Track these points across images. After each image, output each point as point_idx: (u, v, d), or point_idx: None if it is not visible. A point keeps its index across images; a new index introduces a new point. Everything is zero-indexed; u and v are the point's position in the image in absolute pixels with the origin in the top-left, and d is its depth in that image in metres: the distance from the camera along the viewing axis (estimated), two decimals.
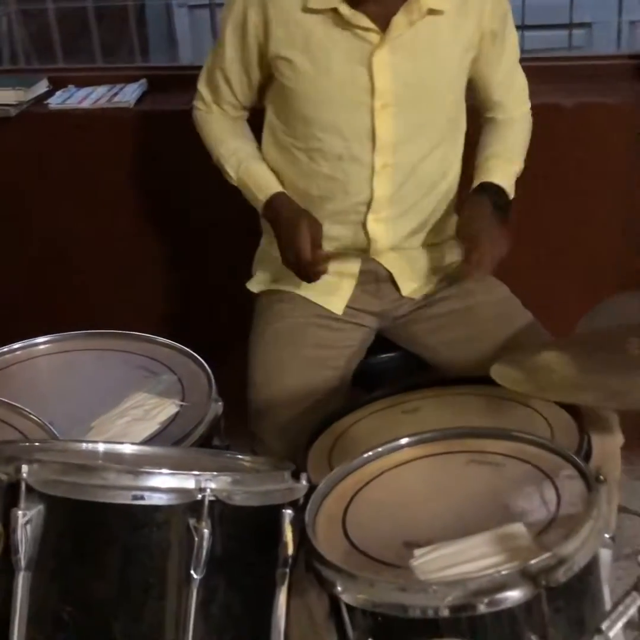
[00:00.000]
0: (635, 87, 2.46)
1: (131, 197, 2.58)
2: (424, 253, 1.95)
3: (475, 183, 1.91)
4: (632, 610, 0.99)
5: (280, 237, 1.81)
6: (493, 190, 1.88)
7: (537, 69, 2.43)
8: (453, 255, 1.98)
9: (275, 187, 1.87)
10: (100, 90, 2.59)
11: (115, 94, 2.56)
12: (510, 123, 2.00)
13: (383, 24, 1.73)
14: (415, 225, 1.91)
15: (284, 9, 1.75)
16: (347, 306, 1.91)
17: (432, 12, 1.74)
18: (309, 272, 1.76)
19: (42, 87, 2.64)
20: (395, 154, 1.81)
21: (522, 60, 2.16)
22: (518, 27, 2.47)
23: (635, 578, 1.01)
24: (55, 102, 2.56)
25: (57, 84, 2.66)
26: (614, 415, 1.72)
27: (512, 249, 2.08)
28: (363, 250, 1.90)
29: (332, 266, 1.83)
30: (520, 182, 1.98)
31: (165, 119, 2.50)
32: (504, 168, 1.93)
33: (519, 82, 2.01)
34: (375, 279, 1.92)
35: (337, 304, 1.91)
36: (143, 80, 2.62)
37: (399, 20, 1.73)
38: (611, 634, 1.00)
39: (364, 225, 1.87)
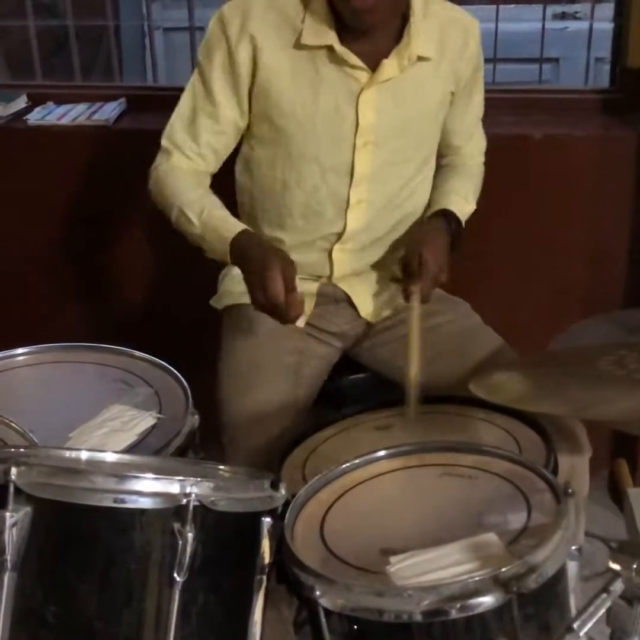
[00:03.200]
0: (601, 120, 2.54)
1: (108, 214, 2.61)
2: (383, 277, 1.98)
3: (434, 208, 1.95)
4: (601, 611, 1.04)
5: (250, 278, 1.68)
6: (452, 217, 1.93)
7: (508, 101, 2.52)
8: None
9: (241, 225, 1.76)
10: (80, 107, 2.62)
11: (94, 112, 2.59)
12: (465, 168, 2.05)
13: (373, 64, 1.77)
14: (381, 255, 1.96)
15: (275, 42, 1.77)
16: (308, 324, 1.94)
17: (420, 58, 1.80)
18: (283, 314, 1.64)
19: (20, 103, 2.67)
20: (370, 190, 1.86)
21: (493, 91, 2.23)
22: (490, 60, 2.57)
23: (605, 580, 1.06)
24: (34, 118, 2.58)
25: (35, 101, 2.68)
26: (582, 431, 1.77)
27: (482, 275, 2.14)
28: (324, 276, 1.94)
29: None
30: (490, 210, 2.04)
31: (143, 138, 2.49)
32: (461, 204, 1.98)
33: (478, 137, 2.08)
34: (334, 300, 1.96)
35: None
36: (122, 99, 2.65)
37: (389, 64, 1.77)
38: (582, 633, 1.04)
39: (329, 253, 1.91)
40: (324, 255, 1.92)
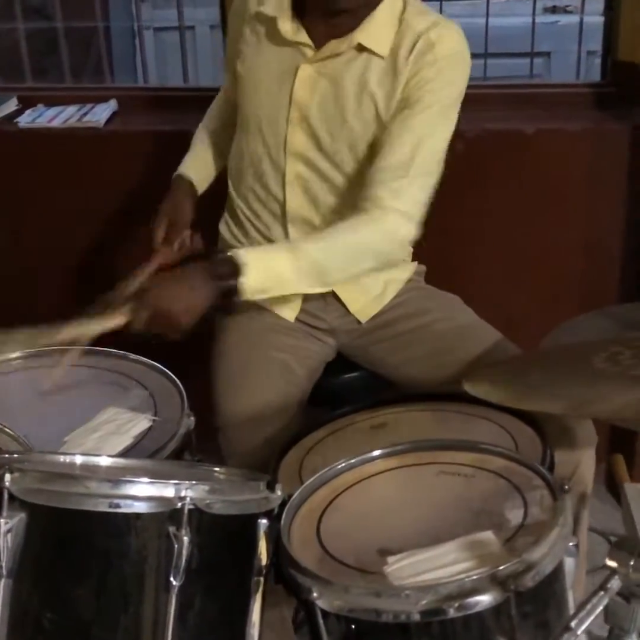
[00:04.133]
0: (594, 114, 2.54)
1: (99, 216, 2.60)
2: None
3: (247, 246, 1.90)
4: (599, 609, 1.04)
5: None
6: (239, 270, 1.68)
7: (499, 96, 2.51)
8: (402, 273, 1.99)
9: (183, 169, 2.02)
10: (70, 109, 2.61)
11: (85, 114, 2.59)
12: (352, 222, 1.76)
13: (323, 41, 1.80)
14: None
15: (252, 8, 1.88)
16: (299, 320, 1.94)
17: (362, 48, 1.78)
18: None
19: (11, 105, 2.66)
20: (307, 169, 1.86)
21: (485, 87, 2.23)
22: (481, 55, 2.57)
23: (602, 578, 1.05)
24: (25, 120, 2.58)
25: (26, 103, 2.68)
26: (587, 422, 1.75)
27: (477, 271, 2.13)
28: None
29: None
30: (483, 205, 2.03)
31: (134, 140, 2.53)
32: (280, 262, 1.71)
33: (411, 196, 1.75)
34: (322, 295, 1.93)
35: (288, 312, 1.94)
36: (113, 101, 2.64)
37: (332, 44, 1.79)
38: (579, 631, 1.04)
39: (286, 238, 1.90)
40: (283, 240, 1.90)
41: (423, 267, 2.06)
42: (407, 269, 2.01)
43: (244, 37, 1.90)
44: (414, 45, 1.76)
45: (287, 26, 1.82)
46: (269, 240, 1.93)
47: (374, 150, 1.80)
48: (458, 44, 1.78)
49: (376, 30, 1.78)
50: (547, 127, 2.45)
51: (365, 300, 1.96)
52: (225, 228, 2.02)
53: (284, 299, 1.90)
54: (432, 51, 1.74)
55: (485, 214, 2.14)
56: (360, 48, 1.79)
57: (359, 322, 1.98)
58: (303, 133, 1.84)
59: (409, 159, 1.74)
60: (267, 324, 1.92)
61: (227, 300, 1.68)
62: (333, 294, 1.94)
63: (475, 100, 2.01)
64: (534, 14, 2.69)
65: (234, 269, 1.66)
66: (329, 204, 1.88)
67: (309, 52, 1.82)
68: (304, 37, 1.81)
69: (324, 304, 1.96)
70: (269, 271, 1.70)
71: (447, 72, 1.76)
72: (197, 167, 2.06)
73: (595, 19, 2.70)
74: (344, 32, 1.79)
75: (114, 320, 1.66)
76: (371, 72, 1.80)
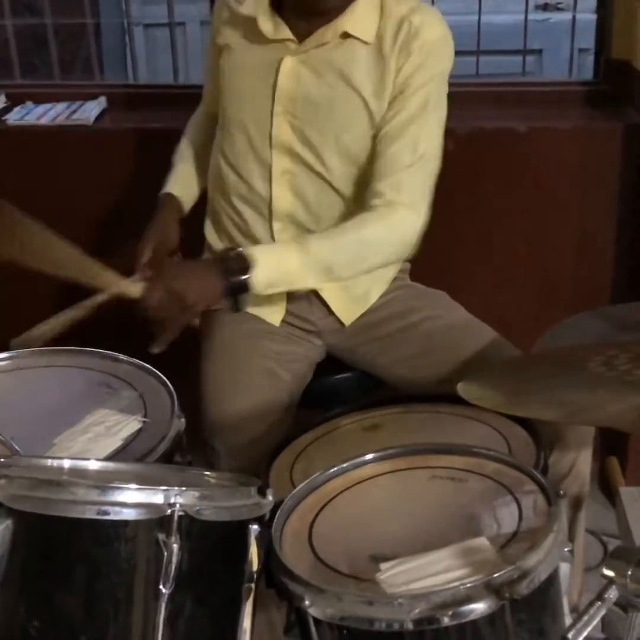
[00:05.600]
0: (586, 112, 2.54)
1: (88, 214, 2.58)
2: None
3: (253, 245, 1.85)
4: (596, 620, 1.02)
5: None
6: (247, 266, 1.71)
7: (491, 94, 2.50)
8: (386, 271, 1.96)
9: (169, 189, 1.99)
10: (59, 107, 2.60)
11: (74, 111, 2.57)
12: (358, 218, 1.78)
13: (305, 34, 1.79)
14: None
15: (233, 7, 1.87)
16: (285, 321, 1.93)
17: (348, 36, 1.77)
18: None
19: None
20: (294, 164, 1.84)
21: (477, 85, 2.21)
22: (473, 52, 2.55)
23: (600, 588, 1.04)
24: (13, 118, 2.57)
25: (15, 100, 2.66)
26: (579, 427, 1.74)
27: (468, 270, 2.11)
28: None
29: None
30: (475, 203, 2.02)
31: (123, 137, 2.51)
32: (291, 261, 1.74)
33: (411, 186, 1.76)
34: (306, 295, 1.92)
35: (273, 316, 1.92)
36: (102, 98, 2.63)
37: (316, 35, 1.78)
38: None
39: (271, 237, 1.88)
40: (267, 239, 1.88)
41: (408, 265, 2.03)
42: (391, 268, 1.97)
43: (224, 38, 1.89)
44: (398, 31, 1.76)
45: (268, 25, 1.81)
46: (253, 240, 1.89)
47: (361, 142, 1.80)
48: (441, 27, 1.79)
49: (361, 18, 1.77)
50: (539, 125, 2.44)
51: (347, 299, 1.93)
52: (209, 231, 2.00)
53: (268, 303, 1.89)
54: (418, 37, 1.75)
55: (476, 212, 2.13)
56: (345, 36, 1.78)
57: (342, 323, 1.95)
58: (288, 125, 1.83)
59: (408, 149, 1.75)
60: (252, 330, 1.90)
61: (238, 294, 1.71)
62: (316, 295, 1.92)
63: (467, 99, 2.00)
64: (526, 11, 2.67)
65: (245, 265, 1.68)
66: (316, 200, 1.85)
67: (292, 46, 1.81)
68: (286, 33, 1.80)
69: (308, 304, 1.94)
70: (278, 267, 1.72)
71: (435, 56, 1.76)
72: (184, 185, 2.03)
73: (587, 17, 2.69)
74: (326, 22, 1.78)
75: (131, 288, 1.69)
76: (356, 61, 1.78)
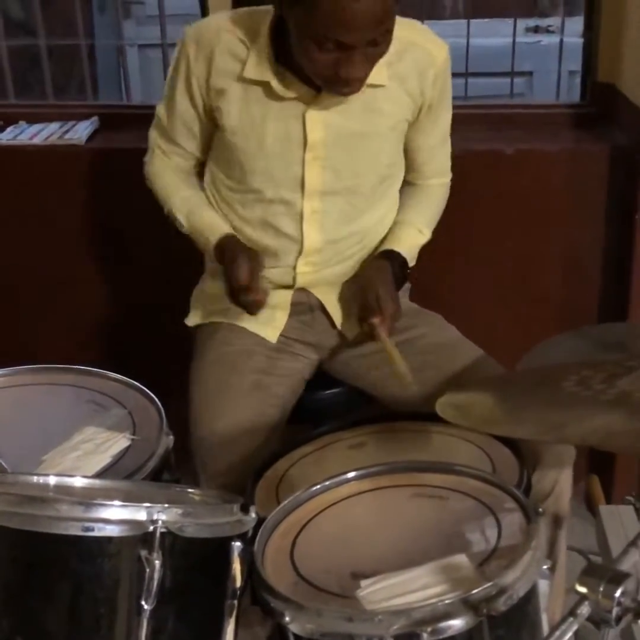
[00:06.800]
0: (573, 135, 2.56)
1: (80, 234, 2.60)
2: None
3: (388, 238, 1.96)
4: (568, 635, 1.04)
5: (225, 271, 1.84)
6: (397, 259, 1.92)
7: (479, 117, 2.53)
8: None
9: (226, 229, 1.91)
10: (52, 127, 2.62)
11: (67, 131, 2.59)
12: (427, 191, 2.04)
13: (317, 87, 1.77)
14: (346, 269, 1.96)
15: (223, 71, 1.82)
16: (283, 336, 1.95)
17: (371, 86, 1.79)
18: (248, 299, 1.77)
19: None
20: (323, 202, 1.88)
21: (465, 107, 2.23)
22: (462, 74, 2.58)
23: (573, 603, 1.05)
24: (6, 137, 2.58)
25: (7, 120, 2.68)
26: (561, 446, 1.76)
27: (458, 289, 2.13)
28: (288, 287, 1.95)
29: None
30: (463, 225, 2.04)
31: (116, 157, 2.53)
32: (412, 237, 1.98)
33: (443, 156, 2.04)
34: (309, 308, 1.97)
35: (271, 332, 1.95)
36: (95, 118, 2.65)
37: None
38: None
39: (294, 268, 1.93)
40: (288, 270, 1.93)
41: (408, 284, 2.08)
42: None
43: (221, 94, 1.83)
44: (409, 63, 1.83)
45: (281, 87, 1.79)
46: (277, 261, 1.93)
47: (394, 153, 1.93)
48: (438, 39, 1.89)
49: (376, 65, 1.75)
50: (527, 147, 2.47)
51: (351, 315, 1.95)
52: None
53: (267, 319, 1.93)
54: (431, 65, 1.85)
55: (465, 233, 2.15)
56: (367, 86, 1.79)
57: (344, 336, 1.98)
58: (321, 170, 1.85)
59: (440, 135, 1.99)
60: (246, 345, 1.93)
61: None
62: (321, 308, 1.96)
63: (456, 120, 2.02)
64: (514, 33, 2.70)
65: (402, 264, 1.93)
66: (345, 229, 1.92)
67: (310, 99, 1.80)
68: (302, 89, 1.79)
69: (311, 318, 1.97)
70: (413, 250, 1.99)
71: (447, 70, 1.91)
72: (219, 222, 1.94)
73: (576, 40, 2.72)
74: None
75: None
76: (377, 99, 1.83)
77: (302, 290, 1.96)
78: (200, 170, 2.01)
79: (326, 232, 1.90)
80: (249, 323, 1.93)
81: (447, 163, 2.06)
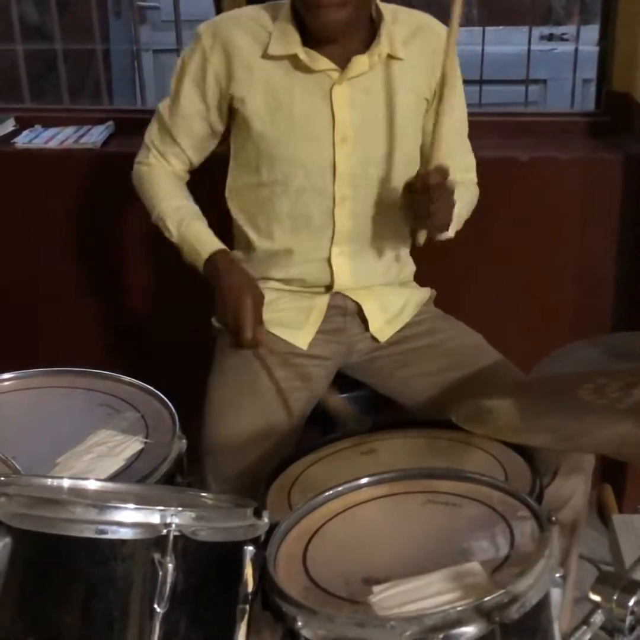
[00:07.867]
0: (587, 143, 2.56)
1: (96, 238, 2.61)
2: (392, 291, 1.99)
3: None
4: None
5: (223, 300, 1.83)
6: None
7: (494, 124, 2.53)
8: (422, 293, 2.03)
9: (217, 244, 1.88)
10: (67, 131, 2.62)
11: (82, 136, 2.60)
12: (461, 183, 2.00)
13: (343, 62, 1.82)
14: (379, 260, 1.95)
15: (246, 54, 1.84)
16: (314, 343, 1.94)
17: (390, 57, 1.84)
18: (245, 342, 1.78)
19: (8, 126, 2.67)
20: (353, 187, 1.87)
21: (480, 114, 2.23)
22: (476, 82, 2.58)
23: (586, 612, 1.05)
24: (22, 141, 2.59)
25: (23, 124, 2.69)
26: (575, 459, 1.76)
27: (469, 297, 2.11)
28: (327, 287, 1.94)
29: (300, 301, 1.90)
30: (476, 233, 2.04)
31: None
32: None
33: (462, 154, 2.02)
34: (343, 313, 1.95)
35: (302, 338, 1.93)
36: (110, 123, 2.66)
37: (358, 60, 1.82)
38: None
39: (328, 260, 1.92)
40: (323, 263, 1.92)
41: (434, 292, 2.09)
42: (425, 292, 2.05)
43: (243, 79, 1.84)
44: (423, 40, 1.89)
45: (307, 58, 1.82)
46: (309, 265, 1.93)
47: (418, 133, 1.93)
48: (440, 22, 1.93)
49: (394, 38, 1.84)
50: (541, 155, 2.47)
51: (386, 318, 1.97)
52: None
53: (299, 326, 1.92)
54: (438, 38, 1.86)
55: (478, 241, 2.15)
56: (387, 56, 1.84)
57: (375, 339, 1.97)
58: (351, 151, 1.86)
59: (459, 132, 1.99)
60: (272, 356, 1.91)
61: None
62: (356, 311, 1.95)
63: (470, 128, 2.03)
64: (529, 42, 2.70)
65: None
66: (376, 215, 1.91)
67: (335, 75, 1.83)
68: (327, 63, 1.82)
69: (343, 320, 1.96)
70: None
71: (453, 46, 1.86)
72: (212, 236, 1.92)
73: (591, 48, 2.72)
74: (356, 48, 1.83)
75: None
76: (397, 75, 1.86)
77: (339, 294, 1.95)
78: (191, 180, 2.00)
79: (356, 218, 1.90)
80: (281, 328, 1.92)
81: (469, 160, 2.05)
